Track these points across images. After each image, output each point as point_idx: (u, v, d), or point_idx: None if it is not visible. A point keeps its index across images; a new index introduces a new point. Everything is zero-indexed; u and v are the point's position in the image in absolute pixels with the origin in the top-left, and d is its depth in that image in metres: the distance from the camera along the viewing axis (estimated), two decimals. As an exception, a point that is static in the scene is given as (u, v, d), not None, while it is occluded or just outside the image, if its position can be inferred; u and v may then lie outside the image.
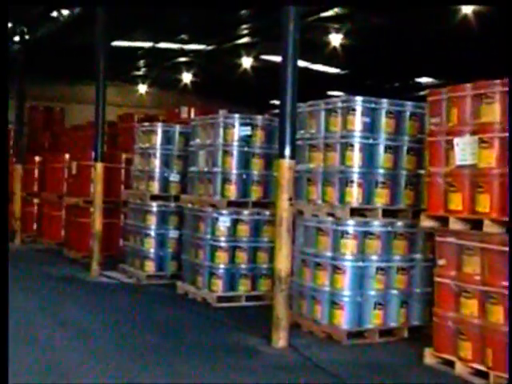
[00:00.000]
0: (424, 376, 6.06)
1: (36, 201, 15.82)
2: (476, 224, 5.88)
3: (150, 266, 10.59)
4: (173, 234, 10.59)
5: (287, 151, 6.83)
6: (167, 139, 10.83)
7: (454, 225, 6.05)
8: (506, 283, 5.58)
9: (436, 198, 6.29)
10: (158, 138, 10.80)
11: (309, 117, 7.89)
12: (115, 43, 14.87)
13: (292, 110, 6.88)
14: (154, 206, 10.61)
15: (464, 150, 5.96)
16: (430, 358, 6.28)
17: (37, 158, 16.08)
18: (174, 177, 10.75)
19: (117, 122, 15.52)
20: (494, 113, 5.76)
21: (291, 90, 6.84)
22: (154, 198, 10.69)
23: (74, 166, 13.37)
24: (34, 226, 15.86)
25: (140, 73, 20.40)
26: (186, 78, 19.62)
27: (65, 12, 12.95)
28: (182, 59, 17.84)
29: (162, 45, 16.39)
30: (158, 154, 10.78)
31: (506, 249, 5.59)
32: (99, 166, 11.18)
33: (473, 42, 13.72)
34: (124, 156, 12.99)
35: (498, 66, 14.25)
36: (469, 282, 5.93)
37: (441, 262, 6.27)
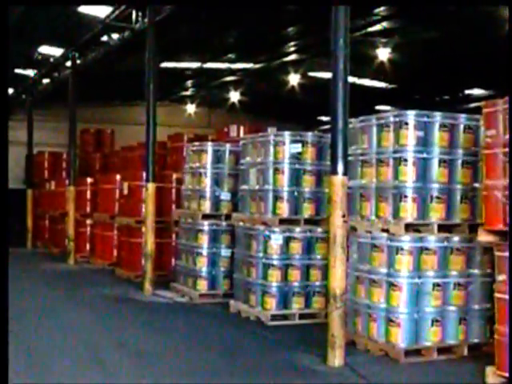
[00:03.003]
0: (487, 396, 5.92)
1: (89, 222, 16.07)
2: (537, 238, 5.73)
3: (203, 285, 10.60)
4: (225, 252, 10.60)
5: (340, 167, 6.78)
6: (217, 158, 10.87)
7: (514, 239, 5.90)
8: None
9: (494, 211, 6.14)
10: (208, 157, 10.86)
11: (360, 132, 7.83)
12: (163, 64, 15.05)
13: (343, 126, 6.83)
14: (206, 225, 10.64)
15: (523, 162, 5.83)
16: (492, 377, 6.10)
17: (89, 180, 16.34)
18: (225, 195, 10.78)
19: (166, 143, 15.66)
20: (553, 123, 5.63)
21: (342, 105, 6.80)
22: (205, 216, 10.73)
23: (126, 187, 13.53)
24: (87, 247, 16.08)
25: (188, 93, 20.62)
26: (234, 96, 19.74)
27: (114, 36, 13.16)
28: (230, 78, 17.95)
29: (210, 65, 16.53)
30: (208, 173, 10.83)
31: None
32: (151, 186, 11.29)
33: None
34: (174, 176, 13.09)
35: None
36: (531, 297, 5.77)
37: (501, 277, 6.11)
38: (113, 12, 12.19)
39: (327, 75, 8.08)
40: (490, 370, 6.12)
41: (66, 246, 15.89)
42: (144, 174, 11.67)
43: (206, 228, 10.63)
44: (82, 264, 15.43)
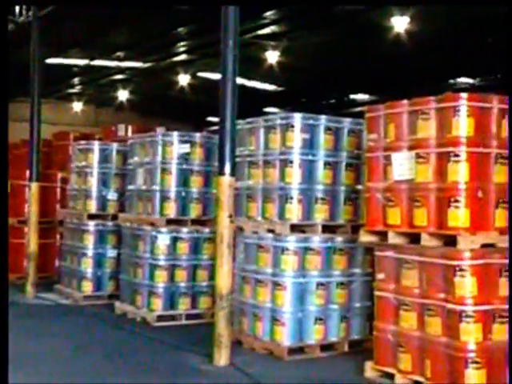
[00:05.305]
0: (365, 390, 6.12)
1: (-33, 222, 15.36)
2: (414, 238, 5.98)
3: (88, 287, 10.40)
4: (111, 253, 10.44)
5: (227, 168, 6.82)
6: (104, 157, 10.70)
7: (393, 239, 6.13)
8: (443, 295, 5.69)
9: (374, 212, 6.36)
10: (95, 157, 10.67)
11: (248, 134, 7.91)
12: (49, 60, 14.64)
13: (231, 127, 6.88)
14: (92, 225, 10.45)
15: (401, 166, 6.07)
16: (370, 371, 6.33)
17: (-32, 178, 15.64)
18: (112, 195, 10.62)
19: (52, 141, 15.22)
20: (429, 129, 5.89)
21: (230, 106, 6.84)
22: (91, 217, 10.53)
23: (8, 186, 13.05)
24: (-35, 248, 15.38)
25: (75, 90, 20.16)
26: (123, 95, 19.48)
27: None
28: (118, 76, 17.71)
29: (98, 62, 16.22)
30: (94, 173, 10.65)
31: (443, 261, 5.70)
32: (34, 185, 10.98)
33: (405, 59, 14.07)
34: (59, 175, 12.78)
35: (430, 82, 14.69)
36: (408, 295, 6.01)
37: (380, 275, 6.33)
38: (-5, 4, 11.73)
39: (216, 76, 8.14)
40: (368, 364, 6.35)
41: None
42: (27, 173, 11.32)
43: (91, 228, 10.44)
44: (-41, 266, 14.75)
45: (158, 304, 8.86)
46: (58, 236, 12.42)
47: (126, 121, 15.39)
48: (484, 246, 5.68)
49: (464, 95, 5.77)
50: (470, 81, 16.70)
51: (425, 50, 13.36)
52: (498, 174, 5.79)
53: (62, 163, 13.49)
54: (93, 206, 10.61)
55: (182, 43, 14.42)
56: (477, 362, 5.47)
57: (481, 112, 5.74)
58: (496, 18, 11.18)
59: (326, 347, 7.28)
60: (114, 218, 10.35)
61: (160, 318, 8.78)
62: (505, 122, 5.84)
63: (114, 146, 10.86)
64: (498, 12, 10.60)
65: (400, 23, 12.01)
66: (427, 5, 10.95)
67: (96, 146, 10.83)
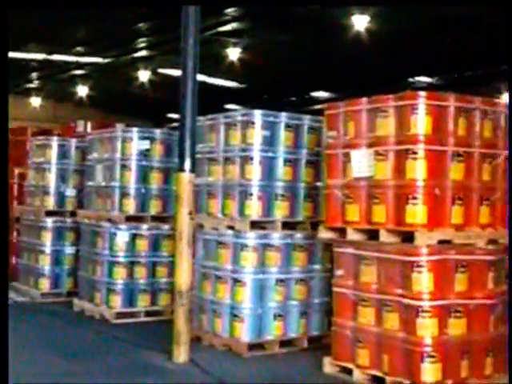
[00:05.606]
0: (323, 385, 6.16)
1: None
2: (372, 234, 6.04)
3: (45, 284, 10.26)
4: (69, 250, 10.32)
5: (187, 165, 6.80)
6: (63, 153, 10.57)
7: (352, 235, 6.18)
8: (400, 291, 5.77)
9: (334, 209, 6.41)
10: (54, 153, 10.53)
11: (208, 130, 7.90)
12: (7, 54, 14.41)
13: (192, 124, 6.86)
14: (49, 222, 10.32)
15: (360, 163, 6.13)
16: (329, 366, 6.37)
17: None
18: (71, 192, 10.51)
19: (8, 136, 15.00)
20: (388, 126, 5.94)
21: (191, 103, 6.82)
22: (49, 213, 10.40)
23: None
24: None
25: (33, 85, 19.91)
26: (82, 91, 19.28)
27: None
28: (78, 72, 17.52)
29: (56, 57, 16.03)
30: (53, 169, 10.51)
31: (401, 258, 5.78)
32: (-10, 181, 10.79)
33: (365, 58, 14.20)
34: (17, 171, 12.57)
35: (389, 81, 14.84)
36: (366, 290, 6.07)
37: (339, 272, 6.39)
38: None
39: (177, 72, 8.13)
40: (327, 360, 6.39)
41: None
42: (-17, 169, 11.13)
43: (49, 225, 10.30)
44: None
45: (116, 301, 8.79)
46: (14, 233, 12.23)
47: (86, 117, 15.23)
48: (441, 242, 5.77)
49: (422, 93, 5.86)
50: (429, 80, 16.94)
51: (384, 48, 13.52)
52: (455, 172, 5.88)
53: (19, 159, 13.26)
54: (51, 203, 10.47)
55: (142, 39, 14.35)
56: (432, 356, 5.56)
57: (438, 110, 5.82)
58: (455, 18, 11.38)
59: (285, 343, 7.31)
60: (73, 214, 10.24)
61: (119, 315, 8.71)
62: (462, 120, 5.93)
63: (73, 141, 10.73)
64: (457, 12, 10.79)
65: (360, 22, 12.13)
66: (387, 5, 11.07)
67: (54, 141, 10.68)
